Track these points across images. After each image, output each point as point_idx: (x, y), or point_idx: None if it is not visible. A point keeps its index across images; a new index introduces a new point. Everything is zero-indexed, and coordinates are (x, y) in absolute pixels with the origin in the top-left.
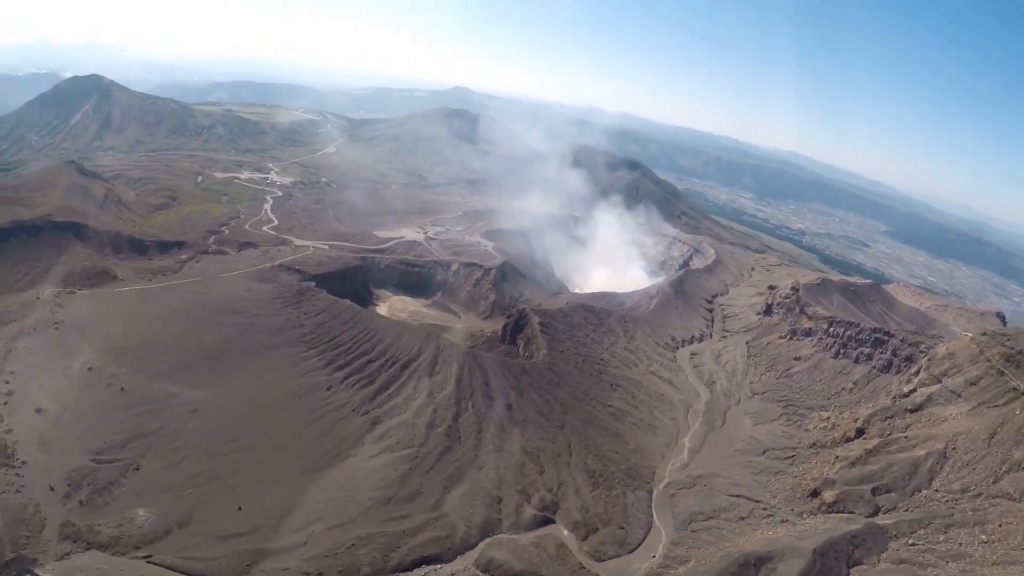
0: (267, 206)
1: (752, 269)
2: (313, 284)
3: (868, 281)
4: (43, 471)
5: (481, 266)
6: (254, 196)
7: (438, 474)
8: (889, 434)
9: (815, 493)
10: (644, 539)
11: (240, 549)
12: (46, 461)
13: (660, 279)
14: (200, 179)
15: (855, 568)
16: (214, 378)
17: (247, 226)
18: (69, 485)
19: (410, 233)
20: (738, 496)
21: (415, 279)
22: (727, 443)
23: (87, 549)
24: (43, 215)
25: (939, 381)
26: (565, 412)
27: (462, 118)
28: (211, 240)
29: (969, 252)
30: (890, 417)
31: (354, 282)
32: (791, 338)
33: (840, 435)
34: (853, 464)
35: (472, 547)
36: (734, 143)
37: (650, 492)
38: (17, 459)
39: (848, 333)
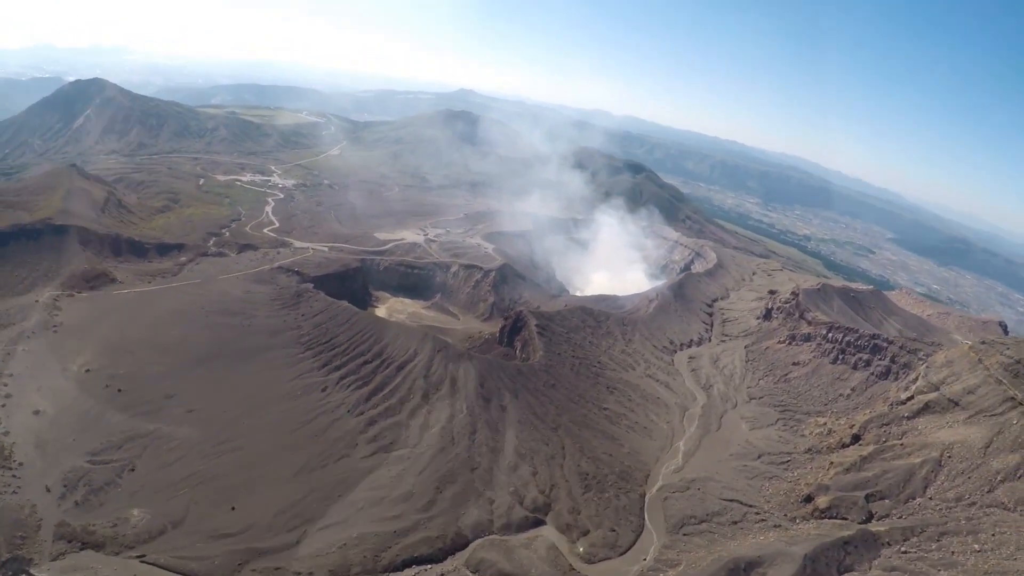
0: (268, 208)
1: (753, 274)
2: (311, 286)
3: (869, 287)
4: (40, 472)
5: (481, 268)
6: (256, 198)
7: (431, 475)
8: (885, 441)
9: (809, 498)
10: (635, 542)
11: (232, 549)
12: (43, 462)
13: (660, 282)
14: (202, 182)
15: (846, 574)
16: (210, 379)
17: (248, 228)
18: (65, 486)
19: (410, 235)
20: (731, 500)
21: (414, 281)
22: (722, 447)
23: (82, 549)
24: (43, 218)
25: (937, 389)
26: (560, 414)
27: (465, 120)
28: (211, 242)
29: (975, 261)
30: (886, 424)
31: (353, 284)
32: (790, 343)
33: (836, 441)
34: (848, 470)
35: (463, 547)
36: (740, 147)
37: (643, 495)
38: (14, 460)
39: (847, 339)
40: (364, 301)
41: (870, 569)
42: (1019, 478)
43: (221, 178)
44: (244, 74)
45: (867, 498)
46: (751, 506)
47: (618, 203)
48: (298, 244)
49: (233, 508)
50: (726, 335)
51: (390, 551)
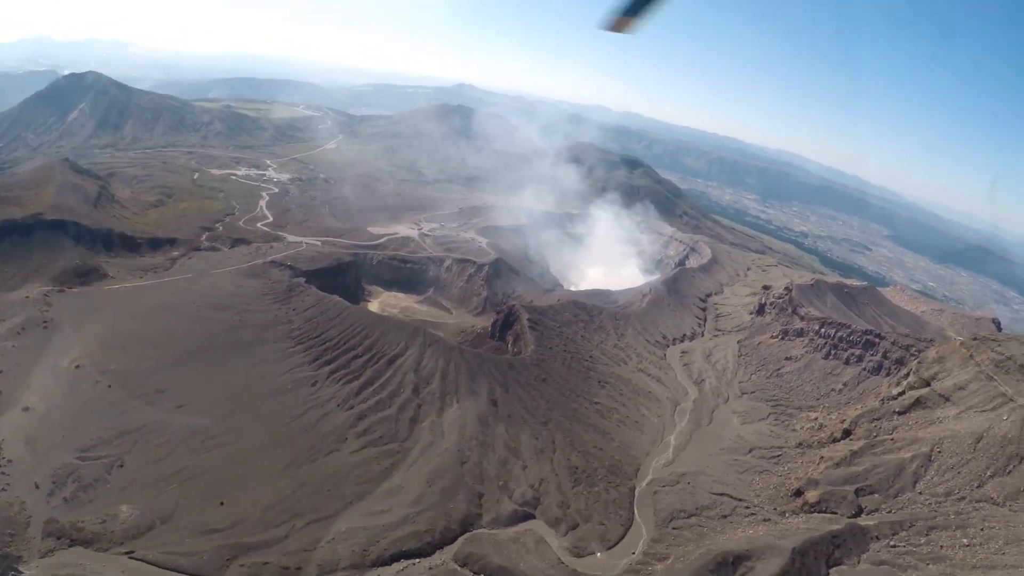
0: (263, 202)
1: (748, 269)
2: (303, 280)
3: (863, 283)
4: (29, 469)
5: (474, 262)
6: (250, 193)
7: (420, 469)
8: (875, 436)
9: (798, 493)
10: (624, 536)
11: (221, 544)
12: (32, 459)
13: (655, 277)
14: (197, 176)
15: (835, 568)
16: (201, 374)
17: (241, 223)
18: (54, 482)
19: (404, 229)
20: (721, 494)
21: (407, 275)
22: (713, 441)
23: (71, 546)
24: (34, 213)
25: (928, 384)
26: (551, 408)
27: (461, 115)
28: (204, 237)
29: (972, 259)
30: (877, 419)
31: (346, 278)
32: (782, 338)
33: (827, 436)
34: (838, 465)
35: (452, 542)
36: (739, 144)
37: (633, 489)
38: (3, 457)
39: (839, 334)
40: (357, 295)
41: (858, 563)
42: (1008, 473)
43: (216, 172)
44: (243, 68)
45: (857, 492)
46: (741, 500)
47: (614, 198)
48: (291, 238)
49: (222, 503)
50: (719, 330)
51: (378, 545)
